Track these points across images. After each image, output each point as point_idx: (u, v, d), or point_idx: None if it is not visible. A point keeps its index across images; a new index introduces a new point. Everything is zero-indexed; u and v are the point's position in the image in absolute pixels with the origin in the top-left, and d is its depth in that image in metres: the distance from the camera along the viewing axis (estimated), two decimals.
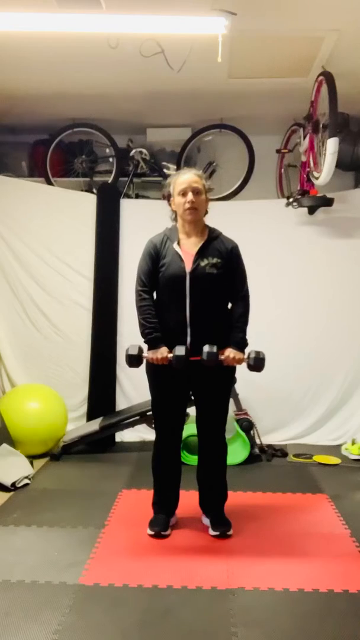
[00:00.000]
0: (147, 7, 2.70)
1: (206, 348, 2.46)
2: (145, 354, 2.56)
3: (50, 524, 2.77)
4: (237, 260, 2.60)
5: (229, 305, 2.66)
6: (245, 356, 2.56)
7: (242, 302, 2.60)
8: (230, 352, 2.52)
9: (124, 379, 4.27)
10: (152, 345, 2.54)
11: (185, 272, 2.50)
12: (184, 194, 2.52)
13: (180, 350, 2.45)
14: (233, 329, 2.58)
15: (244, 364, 2.57)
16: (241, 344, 2.56)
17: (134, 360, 2.55)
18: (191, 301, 2.50)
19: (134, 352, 2.54)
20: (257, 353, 2.55)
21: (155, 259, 2.57)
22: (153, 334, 2.53)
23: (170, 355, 2.49)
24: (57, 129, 4.39)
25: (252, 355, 2.55)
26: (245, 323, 2.59)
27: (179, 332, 2.52)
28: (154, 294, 2.63)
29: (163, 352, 2.51)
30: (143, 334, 2.56)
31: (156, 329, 2.54)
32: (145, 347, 2.59)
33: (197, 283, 2.50)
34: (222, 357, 2.51)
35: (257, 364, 2.54)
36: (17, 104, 4.06)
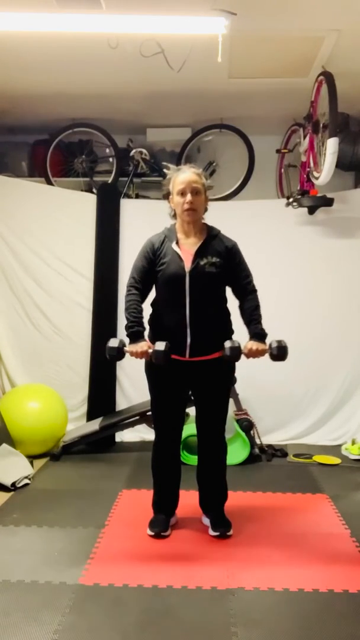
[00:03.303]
0: (147, 7, 2.70)
1: (228, 344, 2.44)
2: (127, 347, 2.52)
3: (50, 524, 2.77)
4: (237, 257, 2.60)
5: (233, 304, 2.64)
6: (267, 346, 2.53)
7: (252, 296, 2.60)
8: (252, 345, 2.50)
9: (124, 379, 4.27)
10: (133, 339, 2.52)
11: (185, 271, 2.50)
12: (182, 193, 2.51)
13: (160, 346, 2.42)
14: (249, 322, 2.56)
15: (265, 356, 2.53)
16: (261, 335, 2.54)
17: (113, 354, 2.50)
18: (191, 301, 2.49)
19: (114, 344, 2.50)
20: (279, 342, 2.51)
21: (151, 258, 2.56)
22: (135, 328, 2.51)
23: (151, 350, 2.47)
24: (57, 129, 4.40)
25: (274, 345, 2.50)
26: (260, 315, 2.58)
27: (179, 332, 2.52)
28: (147, 291, 2.61)
29: (143, 346, 2.48)
30: (125, 327, 2.55)
31: (139, 323, 2.52)
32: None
33: (197, 282, 2.49)
34: (245, 350, 2.49)
35: (280, 352, 2.50)
36: (17, 104, 4.06)
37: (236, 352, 2.45)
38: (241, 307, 2.63)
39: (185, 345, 2.52)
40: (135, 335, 2.52)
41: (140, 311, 2.55)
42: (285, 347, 2.51)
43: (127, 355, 2.52)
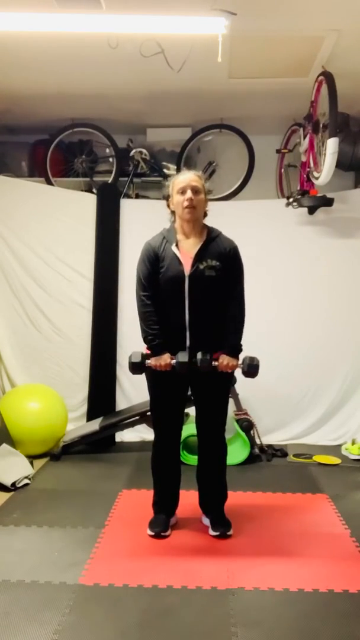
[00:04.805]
0: (147, 7, 2.70)
1: (199, 355, 2.47)
2: (148, 360, 2.55)
3: (50, 524, 2.78)
4: (234, 262, 2.58)
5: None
6: (240, 362, 2.56)
7: (236, 304, 2.58)
8: (224, 359, 2.52)
9: (124, 379, 4.27)
10: (155, 352, 2.53)
11: (184, 275, 2.49)
12: (182, 192, 2.51)
13: (183, 357, 2.46)
14: (227, 333, 2.56)
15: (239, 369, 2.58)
16: (235, 350, 2.56)
17: (137, 368, 2.56)
18: (190, 304, 2.49)
19: (137, 359, 2.54)
20: (252, 359, 2.55)
21: (154, 261, 2.55)
22: (156, 341, 2.52)
23: (174, 361, 2.49)
24: (57, 129, 4.39)
25: (247, 362, 2.55)
26: (240, 327, 2.58)
27: (179, 334, 2.52)
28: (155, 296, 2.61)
29: (166, 358, 2.50)
30: (146, 340, 2.56)
31: (159, 335, 2.53)
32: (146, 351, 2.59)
33: (196, 286, 2.49)
34: (216, 363, 2.51)
35: (250, 370, 2.56)
36: (17, 104, 4.06)
37: (206, 363, 2.47)
38: (226, 312, 2.59)
39: (184, 347, 2.52)
40: (157, 348, 2.53)
41: (158, 322, 2.54)
42: (256, 365, 2.55)
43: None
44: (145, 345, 2.62)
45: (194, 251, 2.53)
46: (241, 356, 2.60)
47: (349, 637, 1.91)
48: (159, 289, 2.56)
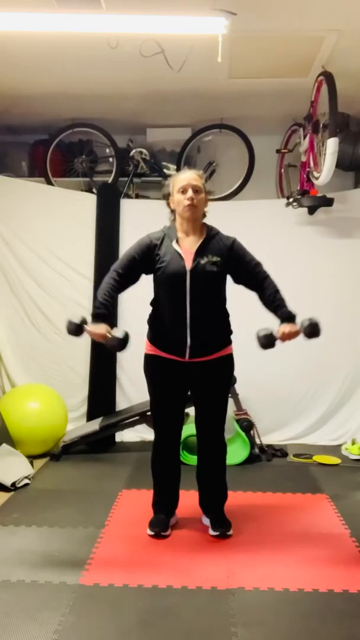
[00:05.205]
0: (147, 7, 2.70)
1: (261, 332, 2.45)
2: (87, 326, 2.48)
3: (50, 524, 2.77)
4: (241, 251, 2.59)
5: (233, 305, 2.64)
6: (299, 327, 2.51)
7: (268, 281, 2.58)
8: (285, 327, 2.49)
9: (124, 379, 4.27)
10: (95, 320, 2.48)
11: (186, 270, 2.49)
12: (183, 191, 2.51)
13: (118, 333, 2.43)
14: (275, 307, 2.54)
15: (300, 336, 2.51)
16: (291, 317, 2.52)
17: (72, 329, 2.46)
18: (191, 300, 2.49)
19: (76, 321, 2.46)
20: (310, 320, 2.47)
21: (145, 253, 2.55)
22: (101, 310, 2.49)
23: (109, 335, 2.44)
24: (57, 129, 4.40)
25: (306, 324, 2.47)
26: (283, 298, 2.56)
27: (179, 332, 2.52)
28: (129, 282, 2.59)
29: (102, 329, 2.44)
30: (92, 306, 2.54)
31: (106, 307, 2.49)
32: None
33: (198, 281, 2.49)
34: (279, 335, 2.48)
35: (313, 330, 2.46)
36: (17, 104, 4.06)
37: (271, 339, 2.45)
38: (261, 297, 2.59)
39: (185, 347, 2.52)
40: (98, 317, 2.49)
41: (112, 297, 2.53)
42: (316, 323, 2.45)
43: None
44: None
45: (195, 248, 2.53)
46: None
47: (349, 637, 1.91)
48: (161, 285, 2.56)
